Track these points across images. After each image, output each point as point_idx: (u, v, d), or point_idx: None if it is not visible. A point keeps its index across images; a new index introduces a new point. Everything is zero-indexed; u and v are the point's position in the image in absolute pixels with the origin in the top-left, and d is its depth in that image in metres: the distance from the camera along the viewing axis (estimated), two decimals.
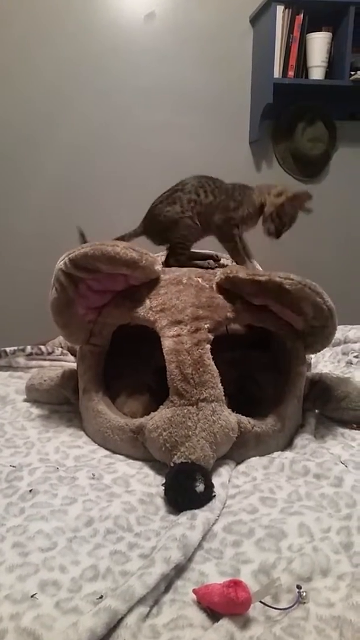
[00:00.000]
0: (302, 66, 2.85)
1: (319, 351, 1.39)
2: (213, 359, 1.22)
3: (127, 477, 1.16)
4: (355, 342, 1.77)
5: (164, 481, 1.10)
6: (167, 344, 1.22)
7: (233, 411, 1.22)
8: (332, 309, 1.28)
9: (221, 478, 1.15)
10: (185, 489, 1.06)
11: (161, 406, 1.21)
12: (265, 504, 1.07)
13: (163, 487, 1.09)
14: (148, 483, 1.15)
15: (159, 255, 1.55)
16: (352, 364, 1.70)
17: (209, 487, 1.08)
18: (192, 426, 1.15)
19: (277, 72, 2.81)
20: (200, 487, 1.06)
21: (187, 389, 1.17)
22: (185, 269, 1.39)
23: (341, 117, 3.02)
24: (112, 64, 2.89)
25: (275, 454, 1.26)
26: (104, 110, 2.93)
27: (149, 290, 1.32)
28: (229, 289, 1.30)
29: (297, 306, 1.25)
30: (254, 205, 1.54)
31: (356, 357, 1.71)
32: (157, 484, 1.15)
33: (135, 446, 1.24)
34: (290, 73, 2.83)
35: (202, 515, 1.01)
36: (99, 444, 1.31)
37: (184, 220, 1.45)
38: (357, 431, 1.39)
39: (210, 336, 1.24)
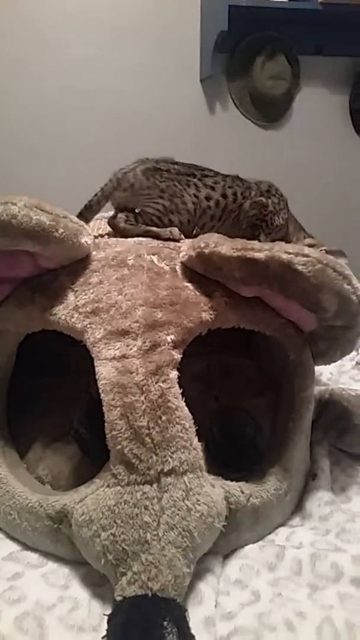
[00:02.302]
0: None
1: (336, 362, 0.88)
2: (179, 381, 0.70)
3: (42, 611, 0.62)
4: None
5: (105, 632, 0.58)
6: (104, 372, 0.67)
7: (214, 471, 0.71)
8: None
9: (203, 606, 0.63)
10: None
11: (97, 478, 0.67)
12: None
13: None
14: (78, 625, 0.61)
15: (95, 218, 0.97)
16: None
17: None
18: (151, 523, 0.62)
19: None
20: None
21: (141, 454, 0.64)
22: (130, 241, 0.83)
23: (305, 52, 2.45)
24: None
25: (282, 536, 0.75)
26: (22, 41, 2.25)
27: (72, 278, 0.75)
28: (203, 272, 0.76)
29: (313, 298, 0.73)
30: (286, 234, 1.02)
31: None
32: (92, 624, 0.62)
33: (58, 541, 0.69)
34: None
35: None
36: (1, 528, 0.77)
37: (188, 199, 0.90)
38: None
39: (177, 356, 0.70)
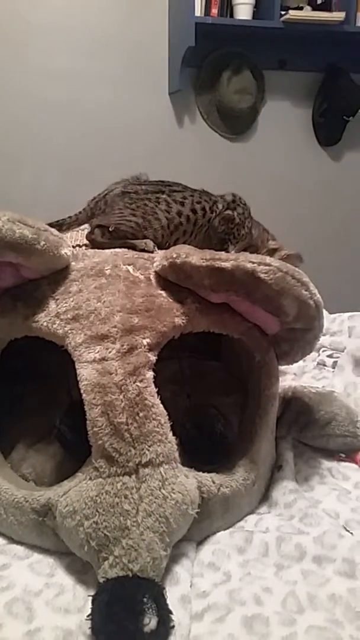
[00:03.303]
0: (227, 4, 2.35)
1: (297, 362, 0.96)
2: (154, 383, 0.75)
3: (30, 597, 0.67)
4: (325, 335, 1.35)
5: (89, 611, 0.63)
6: (85, 374, 0.73)
7: (188, 464, 0.77)
8: (320, 305, 0.84)
9: (179, 587, 0.69)
10: (126, 631, 0.60)
11: (79, 473, 0.73)
12: (252, 632, 0.63)
13: (89, 621, 0.63)
14: (64, 607, 0.67)
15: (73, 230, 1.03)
16: (325, 365, 1.27)
17: (165, 618, 0.62)
18: (130, 511, 0.67)
19: (198, 11, 2.29)
20: (150, 624, 0.60)
21: (120, 448, 0.69)
22: (107, 252, 0.89)
23: (269, 67, 2.55)
24: None
25: (250, 522, 0.82)
26: None
27: (53, 287, 0.81)
28: (176, 281, 0.82)
29: (275, 303, 0.80)
30: (252, 239, 1.08)
31: (330, 356, 1.29)
32: (78, 606, 0.67)
33: (43, 533, 0.74)
34: (214, 11, 2.32)
35: None
36: None
37: (161, 215, 0.96)
38: (346, 463, 0.98)
39: (152, 357, 0.76)
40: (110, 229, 0.93)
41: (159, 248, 0.92)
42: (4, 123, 2.37)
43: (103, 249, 0.92)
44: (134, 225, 0.93)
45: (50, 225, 0.96)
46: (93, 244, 0.95)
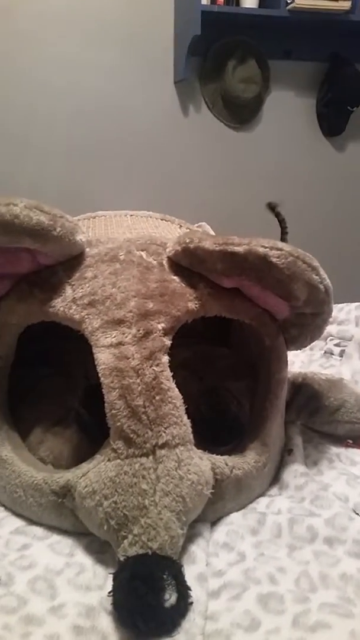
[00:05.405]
0: None
1: (306, 346, 0.96)
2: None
3: (52, 575, 0.69)
4: (332, 324, 1.35)
5: (110, 589, 0.64)
6: (103, 358, 0.74)
7: (202, 447, 0.78)
8: (329, 289, 0.85)
9: (196, 565, 0.70)
10: (148, 606, 0.61)
11: (98, 455, 0.74)
12: (267, 609, 0.64)
13: (110, 597, 0.64)
14: (85, 585, 0.68)
15: (82, 218, 1.03)
16: (332, 354, 1.28)
17: (184, 594, 0.63)
18: (148, 490, 0.69)
19: None
20: (171, 599, 0.61)
21: (138, 430, 0.70)
22: (120, 239, 0.89)
23: (274, 56, 2.54)
24: None
25: (262, 504, 0.83)
26: (2, 36, 2.29)
27: (69, 273, 0.81)
28: (188, 266, 0.83)
29: (286, 288, 0.81)
30: None
31: (337, 345, 1.29)
32: (98, 584, 0.68)
33: (62, 514, 0.76)
34: (220, 0, 2.31)
35: None
36: (6, 506, 0.83)
37: None
38: (353, 449, 0.99)
39: (167, 342, 0.77)
40: None
41: None
42: (8, 110, 2.36)
43: None
44: None
45: None
46: None
